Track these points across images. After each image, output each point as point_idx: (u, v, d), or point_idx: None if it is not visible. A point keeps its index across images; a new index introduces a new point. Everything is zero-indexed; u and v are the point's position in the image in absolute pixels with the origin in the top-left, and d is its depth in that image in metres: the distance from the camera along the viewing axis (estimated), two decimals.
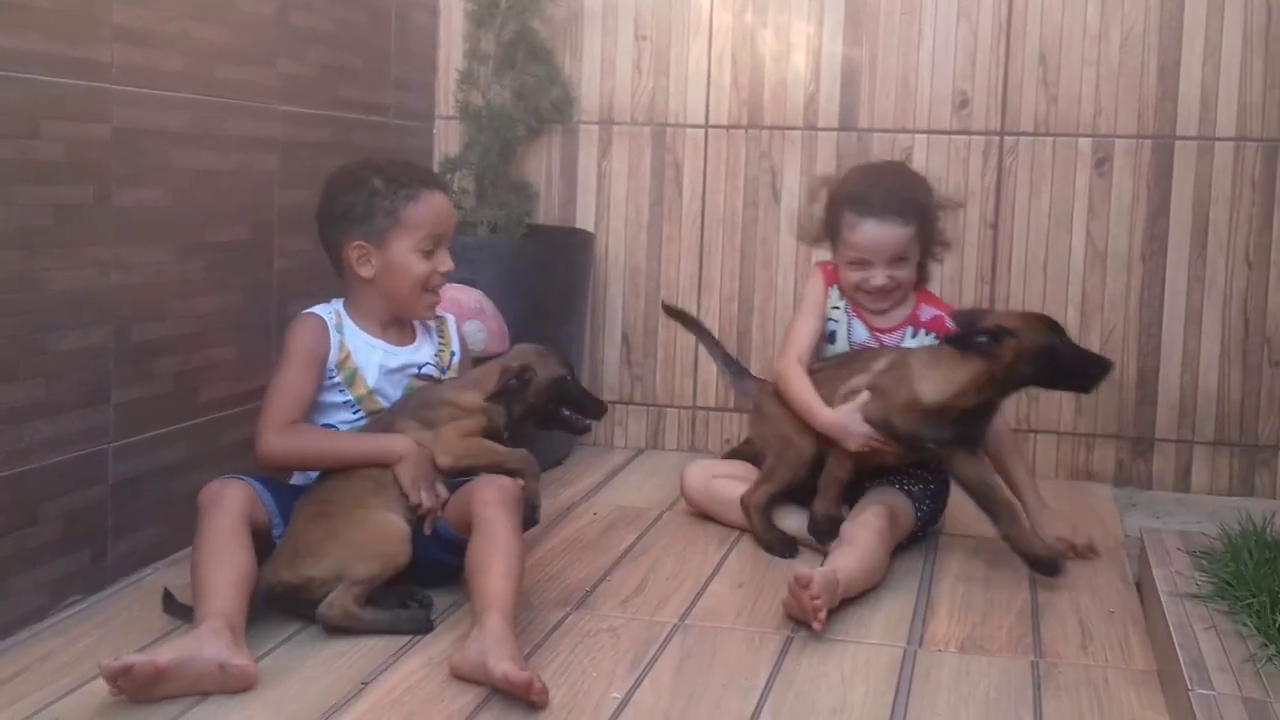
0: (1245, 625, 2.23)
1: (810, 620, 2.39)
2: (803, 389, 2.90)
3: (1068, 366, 2.75)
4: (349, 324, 2.61)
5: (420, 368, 2.66)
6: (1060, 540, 2.85)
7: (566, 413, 2.64)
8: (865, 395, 2.82)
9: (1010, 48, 3.64)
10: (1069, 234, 3.64)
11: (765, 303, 3.78)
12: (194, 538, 2.33)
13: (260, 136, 2.95)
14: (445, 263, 2.64)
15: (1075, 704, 2.17)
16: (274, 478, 2.53)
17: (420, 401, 2.57)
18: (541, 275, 3.54)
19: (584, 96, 3.87)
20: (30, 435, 2.32)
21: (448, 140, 3.89)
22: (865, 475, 2.92)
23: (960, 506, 3.28)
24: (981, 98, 3.66)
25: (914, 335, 3.00)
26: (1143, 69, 3.57)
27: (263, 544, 2.38)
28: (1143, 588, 2.67)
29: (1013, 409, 3.67)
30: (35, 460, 2.33)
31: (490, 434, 2.55)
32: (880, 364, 2.86)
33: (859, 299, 3.01)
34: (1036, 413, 3.68)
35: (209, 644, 2.09)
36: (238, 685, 2.09)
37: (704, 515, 3.13)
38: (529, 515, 2.47)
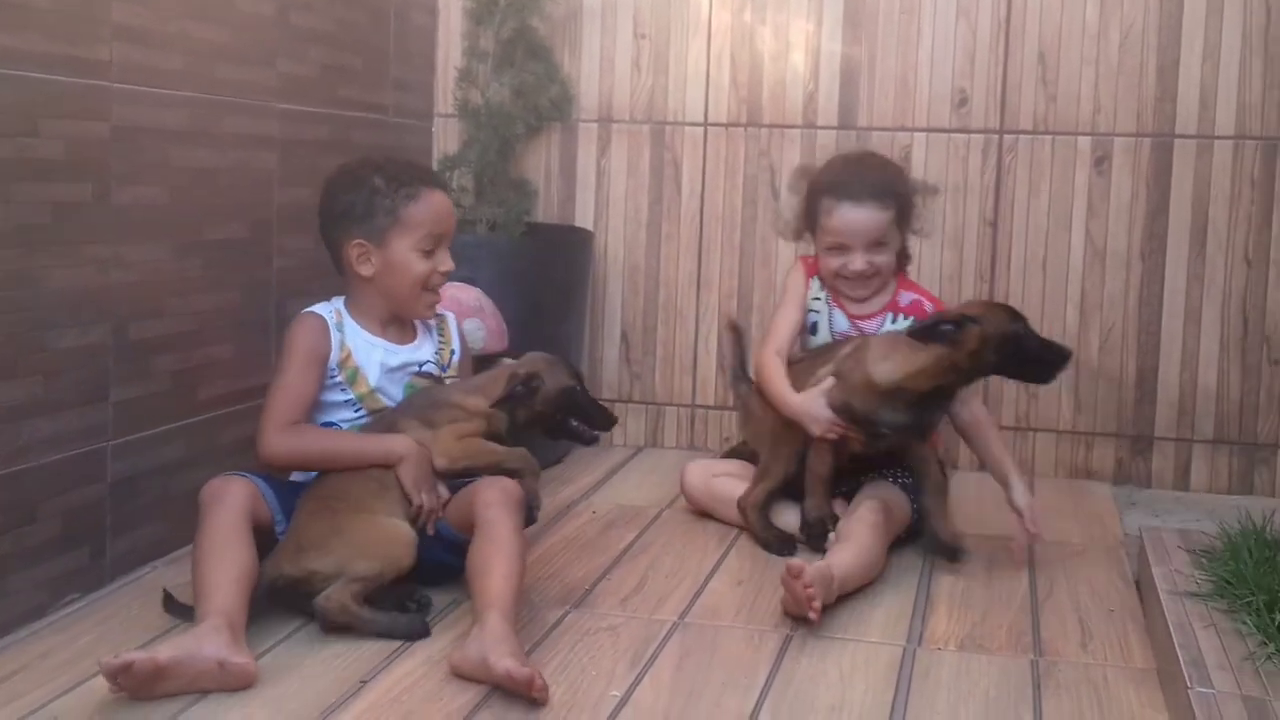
0: (1244, 623, 2.24)
1: (805, 611, 2.39)
2: (775, 377, 2.93)
3: (1030, 354, 2.76)
4: (350, 323, 2.61)
5: (421, 366, 2.66)
6: (1022, 522, 2.83)
7: (574, 423, 2.64)
8: (830, 381, 2.83)
9: (1009, 46, 3.64)
10: (1068, 232, 3.64)
11: (764, 300, 3.78)
12: (195, 534, 2.33)
13: (259, 135, 2.95)
14: (445, 262, 2.63)
15: (1075, 702, 2.17)
16: (276, 475, 2.52)
17: (425, 402, 2.57)
18: (541, 273, 3.54)
19: (583, 94, 3.87)
20: (29, 433, 2.32)
21: (447, 138, 3.89)
22: (856, 469, 2.92)
23: (960, 506, 3.28)
24: (980, 96, 3.66)
25: (893, 321, 3.01)
26: (1142, 68, 3.57)
27: (265, 541, 2.38)
28: (1142, 586, 2.67)
29: (1012, 408, 3.68)
30: (34, 458, 2.33)
31: (491, 438, 2.54)
32: (845, 350, 2.89)
33: (839, 286, 3.03)
34: (1036, 411, 3.68)
35: (209, 642, 2.09)
36: (237, 683, 2.09)
37: (703, 513, 3.13)
38: (527, 515, 2.47)
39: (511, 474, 2.48)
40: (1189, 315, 3.59)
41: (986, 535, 3.06)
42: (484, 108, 3.71)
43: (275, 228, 3.00)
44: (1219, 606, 2.33)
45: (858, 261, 2.97)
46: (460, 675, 2.16)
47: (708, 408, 3.87)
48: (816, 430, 2.84)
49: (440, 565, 2.47)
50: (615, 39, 3.85)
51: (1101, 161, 3.61)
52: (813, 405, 2.84)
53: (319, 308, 2.62)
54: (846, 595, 2.58)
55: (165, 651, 2.04)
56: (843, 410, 2.81)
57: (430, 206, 2.60)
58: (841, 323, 3.03)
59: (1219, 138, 3.53)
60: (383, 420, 2.56)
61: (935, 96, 3.68)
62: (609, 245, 3.88)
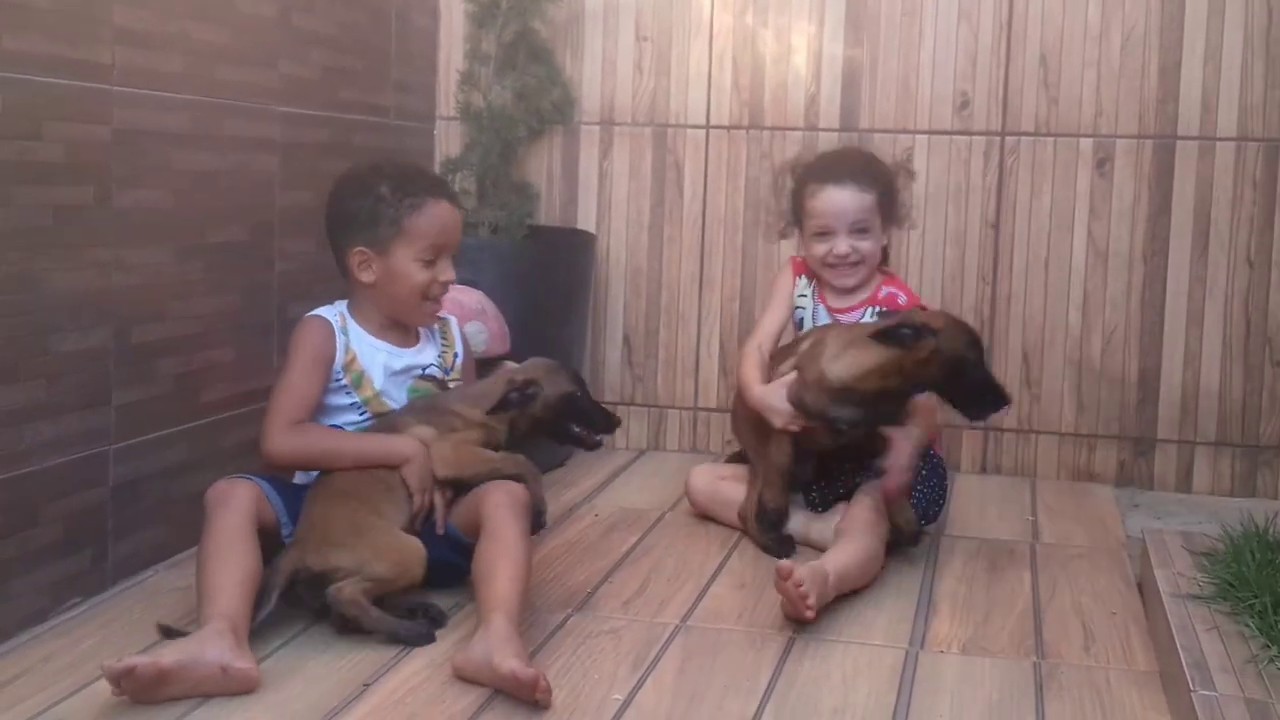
0: (1247, 626, 2.23)
1: (801, 610, 2.39)
2: (746, 369, 2.97)
3: (972, 385, 2.74)
4: (353, 326, 2.61)
5: (424, 369, 2.66)
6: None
7: (576, 429, 2.63)
8: (792, 374, 2.84)
9: (1011, 49, 3.64)
10: (1070, 234, 3.64)
11: (767, 303, 3.77)
12: (200, 536, 2.32)
13: (260, 137, 2.95)
14: (446, 272, 2.63)
15: (1077, 705, 2.17)
16: (280, 477, 2.52)
17: (426, 406, 2.57)
18: (543, 276, 3.54)
19: (585, 97, 3.87)
20: (31, 437, 2.32)
21: (449, 141, 3.89)
22: (843, 464, 2.91)
23: (962, 508, 3.28)
24: (982, 98, 3.66)
25: (872, 315, 3.02)
26: (1143, 70, 3.57)
27: (270, 544, 2.38)
28: (1144, 588, 2.67)
29: (1014, 410, 3.67)
30: (36, 462, 2.33)
31: (491, 447, 2.54)
32: (806, 343, 2.90)
33: (825, 275, 3.05)
34: (1038, 413, 3.68)
35: (212, 646, 2.09)
36: (240, 688, 2.09)
37: (707, 517, 3.13)
38: (536, 520, 2.47)
39: (512, 480, 2.48)
40: (1191, 317, 3.59)
41: (987, 539, 3.06)
42: (486, 110, 3.71)
43: (277, 231, 3.00)
44: (1221, 609, 2.33)
45: (841, 245, 2.99)
46: (463, 677, 2.16)
47: (710, 410, 3.86)
48: (777, 422, 2.85)
49: (447, 566, 2.47)
50: (617, 41, 3.85)
51: (1103, 163, 3.61)
52: (773, 397, 2.86)
53: (323, 311, 2.62)
54: (848, 598, 2.58)
55: (168, 656, 2.04)
56: (797, 404, 2.82)
57: (434, 218, 2.59)
58: (824, 318, 3.06)
59: (1221, 139, 3.53)
60: (385, 422, 2.56)
61: (937, 99, 3.68)
62: (611, 248, 3.88)
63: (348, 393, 2.58)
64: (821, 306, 3.08)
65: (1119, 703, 2.18)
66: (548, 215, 3.90)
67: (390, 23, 3.56)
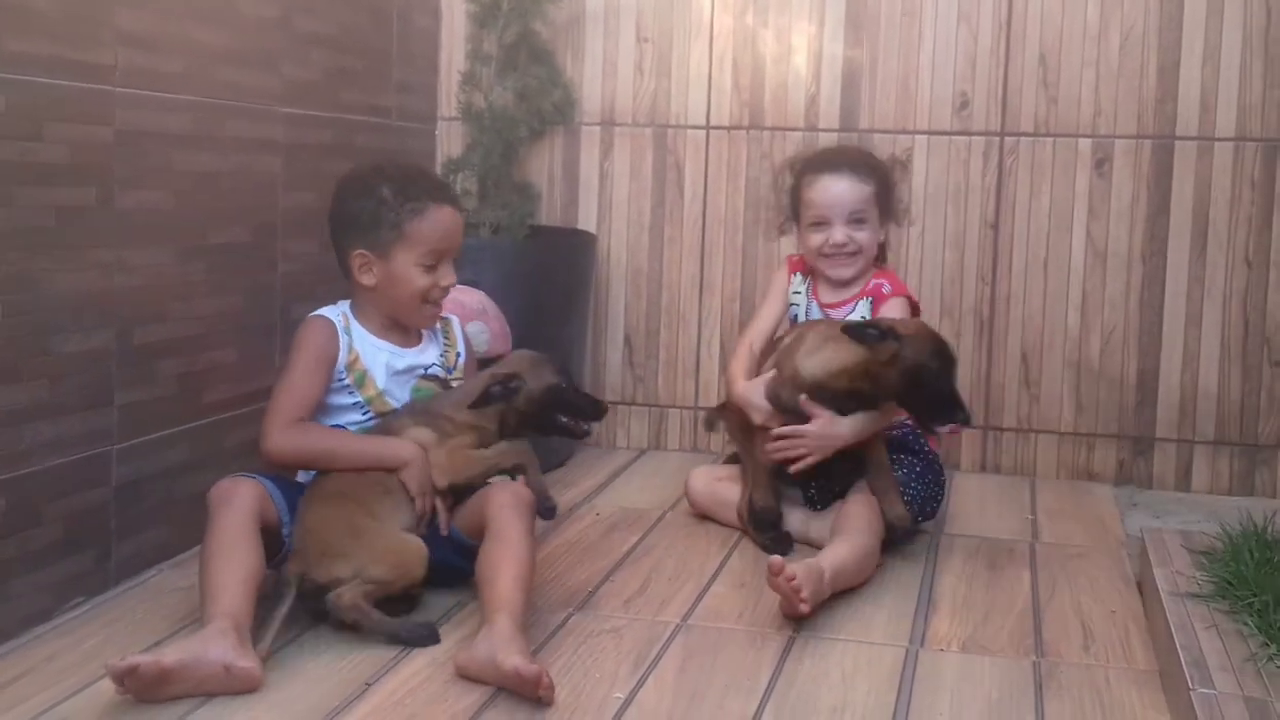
0: (1246, 624, 2.24)
1: (796, 605, 2.40)
2: (734, 366, 3.00)
3: (931, 396, 2.74)
4: (356, 326, 2.62)
5: (426, 369, 2.66)
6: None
7: (564, 419, 2.62)
8: (773, 371, 2.86)
9: (1010, 49, 3.65)
10: (1069, 234, 3.65)
11: (762, 300, 3.78)
12: (203, 535, 2.32)
13: (263, 139, 2.96)
14: (447, 277, 2.63)
15: (1077, 704, 2.18)
16: (283, 476, 2.52)
17: (423, 408, 2.57)
18: (544, 276, 3.54)
19: (586, 98, 3.87)
20: (33, 437, 2.32)
21: (450, 142, 3.89)
22: (841, 463, 2.92)
23: (961, 506, 3.29)
24: (982, 99, 3.66)
25: (865, 307, 3.04)
26: (1142, 70, 3.58)
27: (273, 542, 2.39)
28: (1144, 587, 2.67)
29: (1014, 410, 3.68)
30: (38, 462, 2.34)
31: (484, 447, 2.54)
32: (788, 339, 2.91)
33: (821, 266, 3.06)
34: (1037, 412, 3.68)
35: (215, 645, 2.09)
36: (243, 687, 2.09)
37: (706, 518, 3.14)
38: (544, 509, 2.47)
39: (512, 474, 2.48)
40: (1190, 317, 3.59)
41: (987, 538, 3.07)
42: (487, 111, 3.72)
43: (279, 232, 3.01)
44: (1220, 607, 2.34)
45: (837, 233, 3.00)
46: (466, 676, 2.17)
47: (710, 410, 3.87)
48: (757, 419, 2.87)
49: (449, 567, 2.48)
50: (618, 42, 3.85)
51: (1102, 163, 3.61)
52: (753, 394, 2.88)
53: (327, 311, 2.62)
54: (847, 596, 2.59)
55: (171, 655, 2.05)
56: (774, 401, 2.83)
57: (435, 223, 2.59)
58: (816, 314, 3.07)
59: (1219, 139, 3.54)
60: (382, 425, 2.56)
61: (936, 99, 3.68)
62: (612, 248, 3.89)
63: (350, 392, 2.59)
64: (814, 303, 3.09)
65: (1118, 701, 2.19)
66: (549, 215, 3.90)
67: (392, 24, 3.57)
